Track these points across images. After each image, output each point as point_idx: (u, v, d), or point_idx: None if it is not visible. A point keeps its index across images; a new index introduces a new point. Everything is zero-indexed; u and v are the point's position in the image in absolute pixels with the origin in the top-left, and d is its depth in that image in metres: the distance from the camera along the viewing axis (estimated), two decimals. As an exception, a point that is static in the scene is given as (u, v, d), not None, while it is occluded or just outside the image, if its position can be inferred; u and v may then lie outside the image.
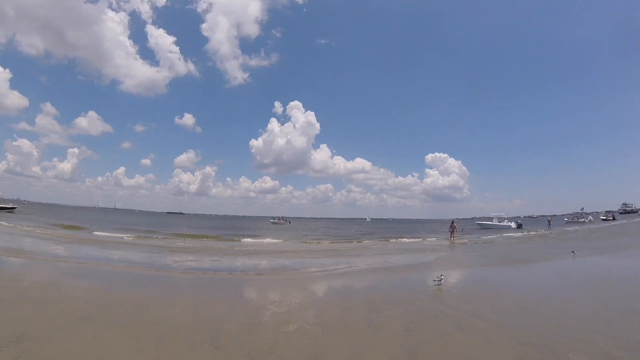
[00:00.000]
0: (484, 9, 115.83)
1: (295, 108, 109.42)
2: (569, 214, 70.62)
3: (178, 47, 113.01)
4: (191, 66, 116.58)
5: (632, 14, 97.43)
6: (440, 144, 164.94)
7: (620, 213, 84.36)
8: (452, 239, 23.65)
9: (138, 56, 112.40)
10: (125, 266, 9.73)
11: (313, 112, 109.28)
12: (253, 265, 11.49)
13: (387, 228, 54.07)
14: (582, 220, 58.39)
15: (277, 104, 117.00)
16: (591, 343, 4.00)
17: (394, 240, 25.50)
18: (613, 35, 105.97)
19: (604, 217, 63.30)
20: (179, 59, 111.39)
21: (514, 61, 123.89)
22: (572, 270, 9.36)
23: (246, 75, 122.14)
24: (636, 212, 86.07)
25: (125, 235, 21.88)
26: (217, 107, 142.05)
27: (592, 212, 72.15)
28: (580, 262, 10.65)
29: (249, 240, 24.13)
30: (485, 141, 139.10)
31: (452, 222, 25.27)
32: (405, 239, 25.52)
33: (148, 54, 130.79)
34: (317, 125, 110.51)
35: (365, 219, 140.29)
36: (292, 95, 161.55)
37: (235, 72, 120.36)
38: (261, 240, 24.35)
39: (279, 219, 70.42)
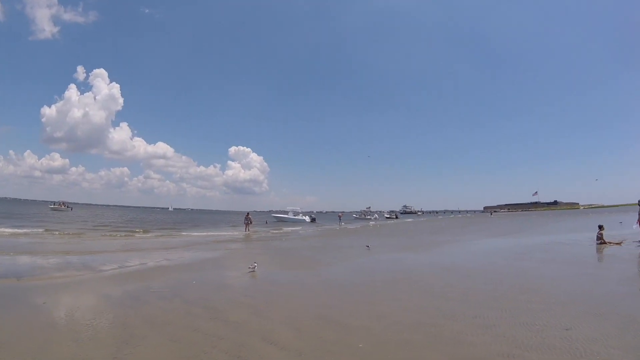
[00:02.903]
0: (300, 22, 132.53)
1: (100, 77, 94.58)
2: (357, 211, 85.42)
3: (-15, -22, 71.30)
4: (-5, 4, 75.42)
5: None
6: (244, 138, 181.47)
7: (402, 213, 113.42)
8: (247, 231, 24.16)
9: None
10: None
11: (118, 85, 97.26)
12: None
13: (186, 219, 51.80)
14: (368, 217, 71.59)
15: (80, 69, 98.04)
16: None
17: (185, 233, 23.87)
18: (422, 45, 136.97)
19: (388, 216, 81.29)
20: (-18, -7, 69.78)
21: (318, 64, 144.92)
22: (371, 267, 9.33)
23: (56, 29, 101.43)
24: (415, 213, 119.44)
25: None
26: (12, 61, 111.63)
27: (378, 211, 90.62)
28: (377, 258, 10.97)
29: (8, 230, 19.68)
30: (284, 140, 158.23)
31: (248, 214, 26.03)
32: (196, 232, 24.19)
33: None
34: (121, 100, 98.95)
35: (168, 208, 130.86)
36: (99, 62, 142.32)
37: (44, 24, 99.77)
38: (25, 230, 19.98)
39: (59, 205, 60.75)
